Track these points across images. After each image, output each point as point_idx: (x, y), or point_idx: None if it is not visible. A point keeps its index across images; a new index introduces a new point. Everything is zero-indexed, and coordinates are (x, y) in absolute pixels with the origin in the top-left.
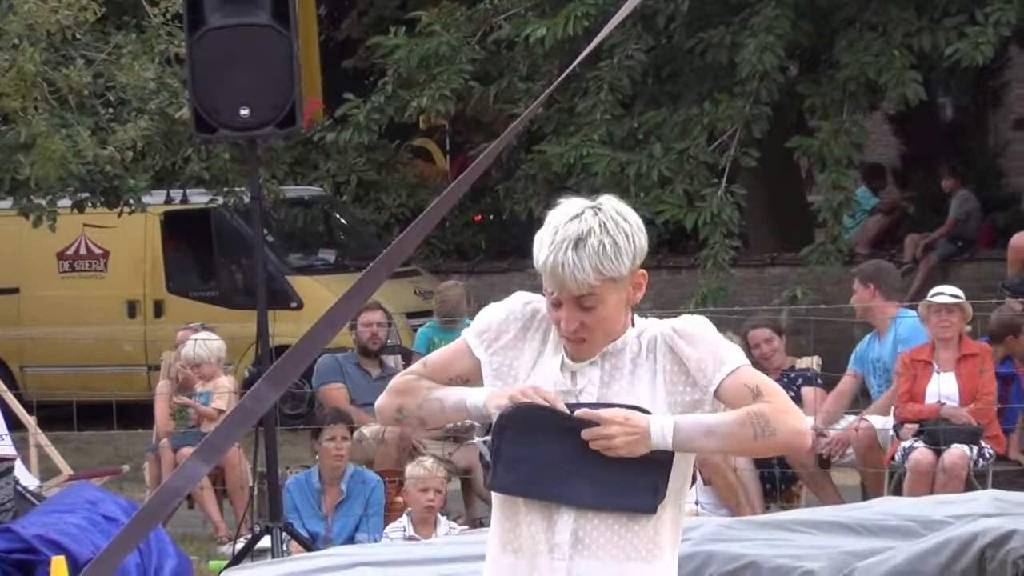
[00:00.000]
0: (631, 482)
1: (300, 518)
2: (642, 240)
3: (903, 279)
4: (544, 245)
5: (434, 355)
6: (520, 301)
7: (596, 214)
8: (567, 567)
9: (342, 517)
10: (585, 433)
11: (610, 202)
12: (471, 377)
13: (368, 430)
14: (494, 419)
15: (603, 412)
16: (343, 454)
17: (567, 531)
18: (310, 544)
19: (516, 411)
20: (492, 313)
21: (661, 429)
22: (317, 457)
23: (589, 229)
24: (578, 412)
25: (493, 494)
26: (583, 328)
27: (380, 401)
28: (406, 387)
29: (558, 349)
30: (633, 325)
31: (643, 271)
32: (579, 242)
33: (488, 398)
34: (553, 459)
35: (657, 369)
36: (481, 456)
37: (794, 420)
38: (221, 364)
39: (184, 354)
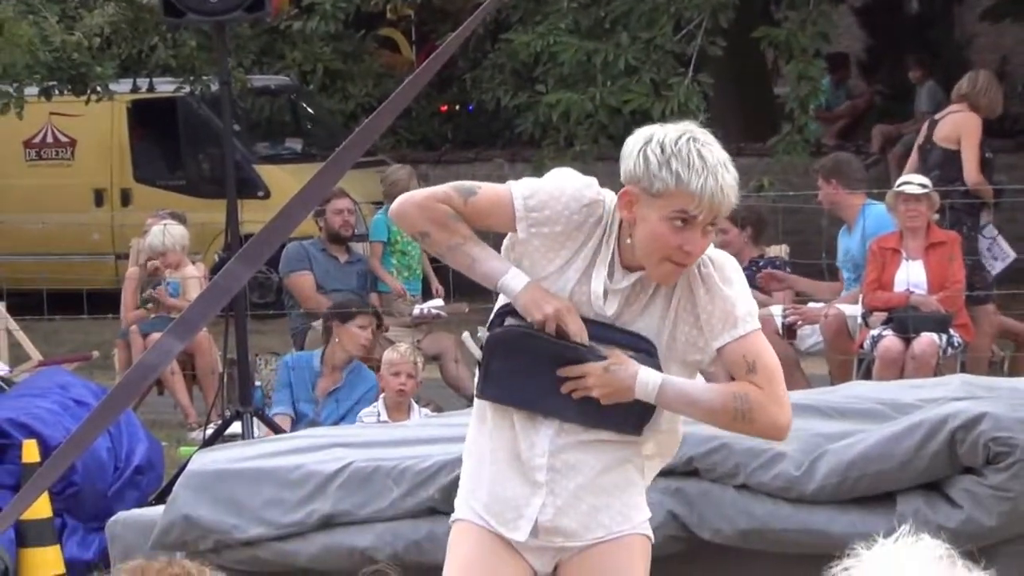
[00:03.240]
0: (616, 411)
1: (292, 395)
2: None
3: (870, 170)
4: (695, 169)
5: (478, 196)
6: (584, 198)
7: (717, 148)
8: (547, 463)
9: (333, 403)
10: (563, 371)
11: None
12: (503, 231)
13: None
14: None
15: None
16: (366, 344)
17: (549, 432)
18: (280, 430)
19: (507, 336)
20: (551, 194)
21: (646, 384)
22: (337, 340)
23: (727, 158)
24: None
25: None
26: (693, 256)
27: (407, 209)
28: (442, 220)
29: (603, 265)
30: None
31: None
32: (727, 165)
33: (523, 298)
34: (539, 376)
35: (672, 303)
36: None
37: (776, 413)
38: (186, 252)
39: (149, 243)
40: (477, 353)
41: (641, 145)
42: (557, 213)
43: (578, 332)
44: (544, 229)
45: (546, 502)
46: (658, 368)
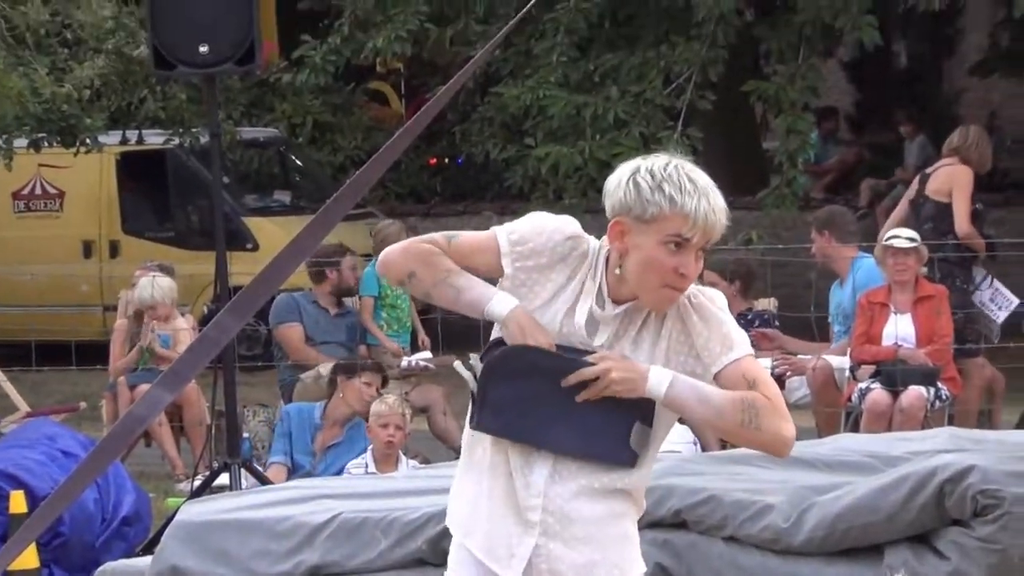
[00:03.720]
0: (616, 434)
1: (290, 445)
2: None
3: (859, 223)
4: (687, 191)
5: (461, 237)
6: (562, 233)
7: (698, 169)
8: (542, 503)
9: (331, 458)
10: (574, 376)
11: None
12: (490, 274)
13: (325, 369)
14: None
15: (602, 355)
16: (369, 401)
17: (544, 471)
18: (268, 481)
19: (505, 356)
20: (534, 228)
21: (659, 376)
22: (341, 395)
23: (713, 183)
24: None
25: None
26: (687, 279)
27: (391, 257)
28: (426, 257)
29: (590, 294)
30: None
31: None
32: (714, 191)
33: (511, 324)
34: (539, 403)
35: (663, 333)
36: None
37: (783, 424)
38: (175, 304)
39: (138, 297)
40: (471, 382)
41: (629, 175)
42: (541, 245)
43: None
44: (529, 262)
45: (539, 543)
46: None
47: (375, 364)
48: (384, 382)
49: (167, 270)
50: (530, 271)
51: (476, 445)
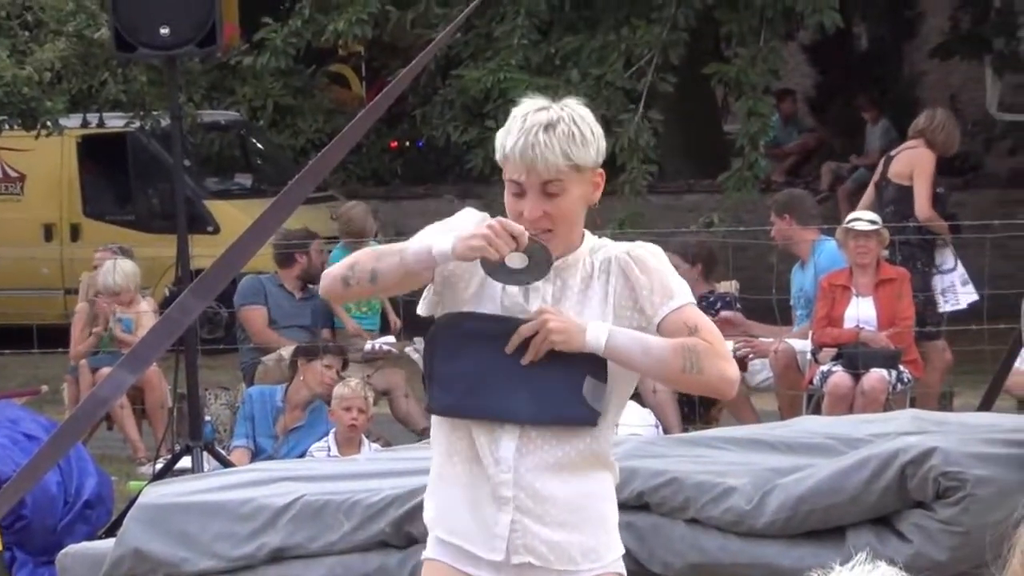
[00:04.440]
0: (568, 392)
1: (253, 429)
2: (603, 141)
3: (819, 206)
4: (512, 132)
5: (384, 246)
6: (471, 219)
7: (563, 108)
8: (513, 479)
9: (293, 441)
10: (519, 332)
11: (574, 102)
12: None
13: (287, 352)
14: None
15: (540, 310)
16: (330, 384)
17: (511, 447)
18: (230, 464)
19: (445, 324)
20: (455, 220)
21: (595, 330)
22: (302, 378)
23: (559, 117)
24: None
25: None
26: (546, 218)
27: (324, 279)
28: (355, 257)
29: None
30: (584, 241)
31: (601, 172)
32: (550, 127)
33: (459, 246)
34: (487, 373)
35: (609, 291)
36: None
37: (725, 365)
38: (138, 289)
39: (102, 284)
40: (422, 365)
41: None
42: (463, 222)
43: (521, 232)
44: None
45: (514, 518)
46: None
47: (336, 347)
48: (344, 365)
49: (126, 253)
50: (455, 263)
51: (438, 434)
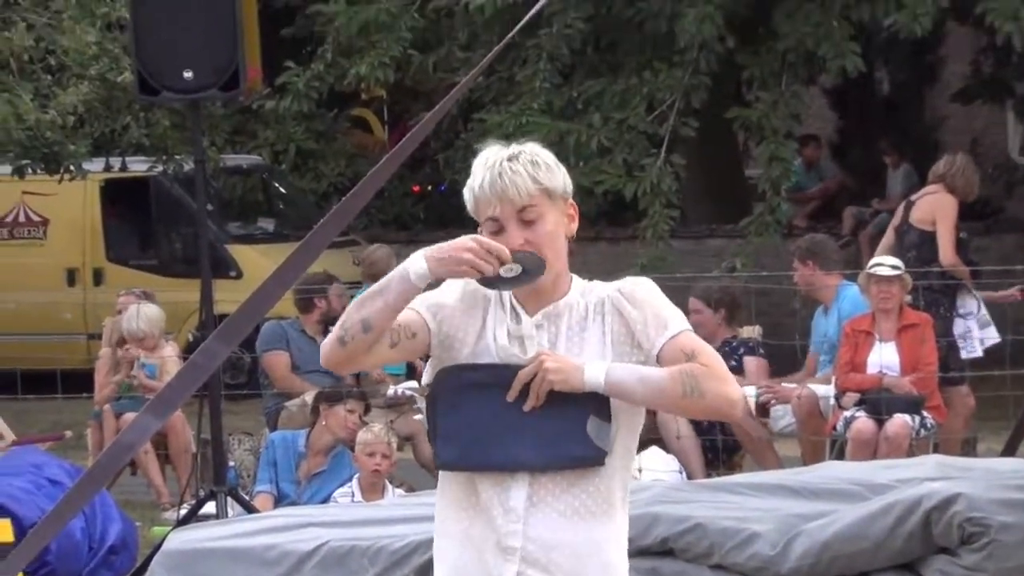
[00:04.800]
0: (573, 432)
1: (275, 474)
2: (567, 175)
3: (841, 251)
4: (476, 174)
5: (364, 294)
6: (460, 281)
7: (521, 145)
8: (523, 530)
9: (316, 487)
10: (518, 378)
11: (530, 142)
12: (417, 330)
13: (311, 397)
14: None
15: (538, 353)
16: (353, 429)
17: (522, 496)
18: (254, 509)
19: (444, 378)
20: (436, 290)
21: (593, 367)
22: (324, 423)
23: (519, 151)
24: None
25: None
26: (528, 246)
27: (323, 349)
28: (343, 316)
29: (503, 319)
30: (573, 285)
31: (573, 204)
32: (512, 158)
33: (426, 256)
34: (490, 422)
35: (606, 330)
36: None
37: (725, 387)
38: (162, 334)
39: (126, 329)
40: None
41: None
42: (451, 286)
43: (498, 249)
44: (444, 311)
45: (520, 569)
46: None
47: (358, 392)
48: (367, 410)
49: (150, 297)
50: (449, 321)
51: (445, 485)
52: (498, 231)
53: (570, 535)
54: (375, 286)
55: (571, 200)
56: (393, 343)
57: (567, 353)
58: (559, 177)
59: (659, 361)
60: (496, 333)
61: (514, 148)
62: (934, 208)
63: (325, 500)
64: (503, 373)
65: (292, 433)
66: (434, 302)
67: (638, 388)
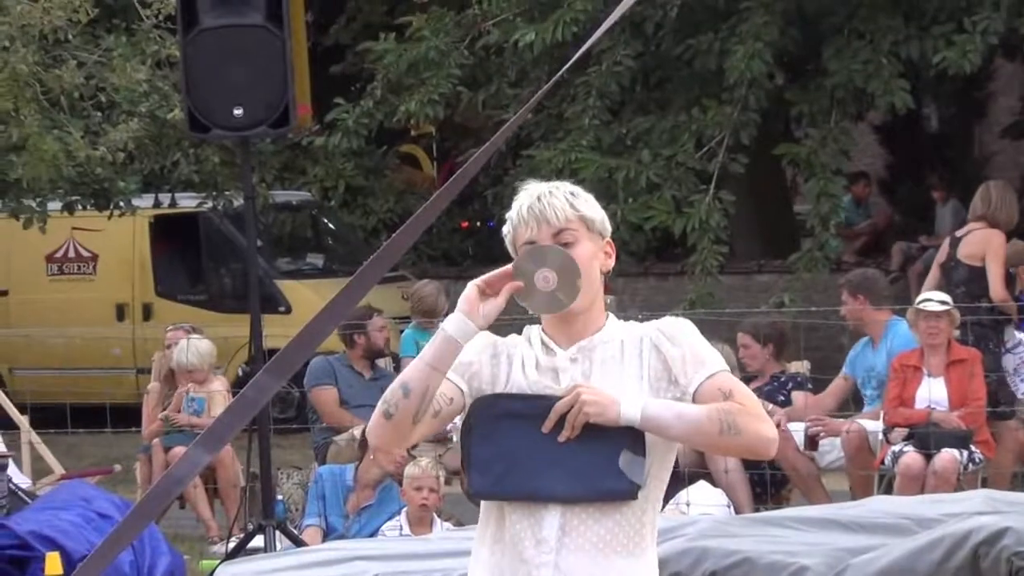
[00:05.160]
0: (607, 465)
1: (324, 508)
2: (605, 215)
3: (890, 287)
4: (516, 204)
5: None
6: (479, 342)
7: (560, 182)
8: (554, 561)
9: (364, 520)
10: (555, 409)
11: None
12: (453, 395)
13: (359, 431)
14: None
15: (573, 387)
16: (401, 462)
17: (554, 526)
18: (303, 543)
19: (479, 407)
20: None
21: (630, 401)
22: (371, 457)
23: (559, 184)
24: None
25: None
26: None
27: (370, 428)
28: (385, 395)
29: (530, 355)
30: (608, 322)
31: (611, 242)
32: (552, 190)
33: (459, 309)
34: (524, 452)
35: (643, 367)
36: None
37: (761, 426)
38: (212, 368)
39: (177, 361)
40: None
41: None
42: (472, 344)
43: (501, 277)
44: (471, 369)
45: None
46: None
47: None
48: (416, 444)
49: (198, 332)
50: (477, 377)
51: (483, 519)
52: None
53: (601, 568)
54: (421, 352)
55: (609, 239)
56: (436, 412)
57: (603, 382)
58: (598, 212)
59: (695, 399)
60: (526, 368)
61: (553, 183)
62: (982, 244)
63: (373, 533)
64: (539, 404)
65: (340, 467)
66: (459, 363)
67: (675, 424)
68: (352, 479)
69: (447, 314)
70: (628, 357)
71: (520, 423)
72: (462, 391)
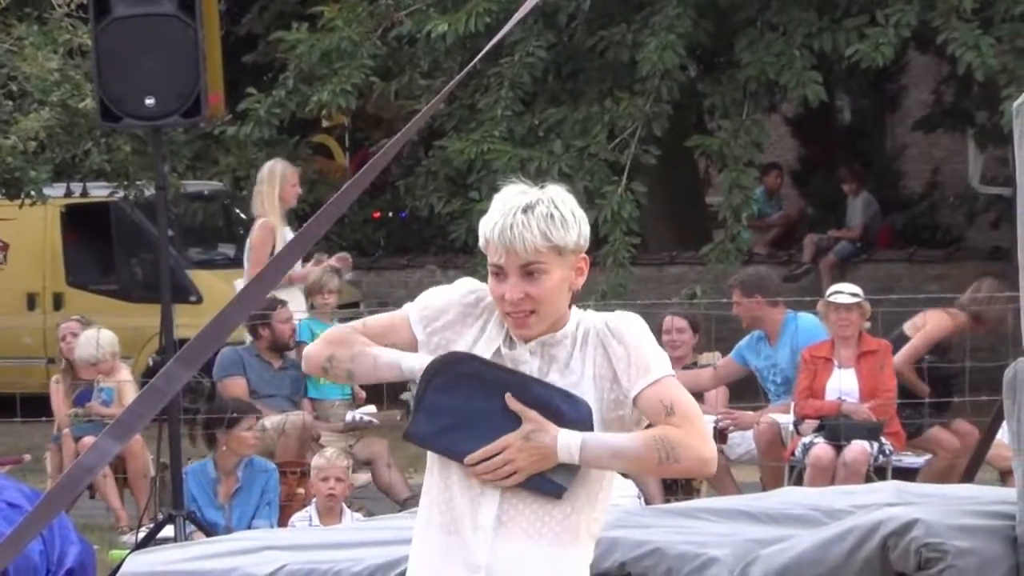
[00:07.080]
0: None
1: (198, 507)
2: (586, 225)
3: (801, 280)
4: (492, 215)
5: (374, 319)
6: (464, 287)
7: (543, 192)
8: (490, 547)
9: (240, 506)
10: (476, 454)
11: (556, 187)
12: (407, 349)
13: (269, 422)
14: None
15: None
16: (255, 443)
17: (491, 512)
18: (213, 532)
19: (448, 361)
20: (434, 294)
21: (568, 446)
22: (224, 448)
23: (538, 199)
24: (510, 398)
25: (428, 463)
26: (528, 299)
27: (310, 348)
28: (341, 338)
29: (496, 339)
30: (572, 316)
31: (585, 257)
32: (528, 208)
33: (425, 367)
34: (477, 417)
35: (587, 362)
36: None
37: (700, 448)
38: (117, 358)
39: (79, 356)
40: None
41: None
42: (447, 302)
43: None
44: (439, 322)
45: None
46: (591, 427)
47: (247, 407)
48: (257, 418)
49: (90, 323)
50: (442, 331)
51: (424, 500)
52: (500, 277)
53: (535, 555)
54: (377, 349)
55: (583, 254)
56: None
57: (555, 382)
58: (574, 232)
59: (636, 404)
60: (488, 350)
61: (533, 195)
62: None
63: (255, 511)
64: (510, 379)
65: (200, 463)
66: (432, 309)
67: (613, 463)
68: (213, 469)
69: (359, 305)
70: (576, 353)
71: (484, 391)
72: (415, 341)
